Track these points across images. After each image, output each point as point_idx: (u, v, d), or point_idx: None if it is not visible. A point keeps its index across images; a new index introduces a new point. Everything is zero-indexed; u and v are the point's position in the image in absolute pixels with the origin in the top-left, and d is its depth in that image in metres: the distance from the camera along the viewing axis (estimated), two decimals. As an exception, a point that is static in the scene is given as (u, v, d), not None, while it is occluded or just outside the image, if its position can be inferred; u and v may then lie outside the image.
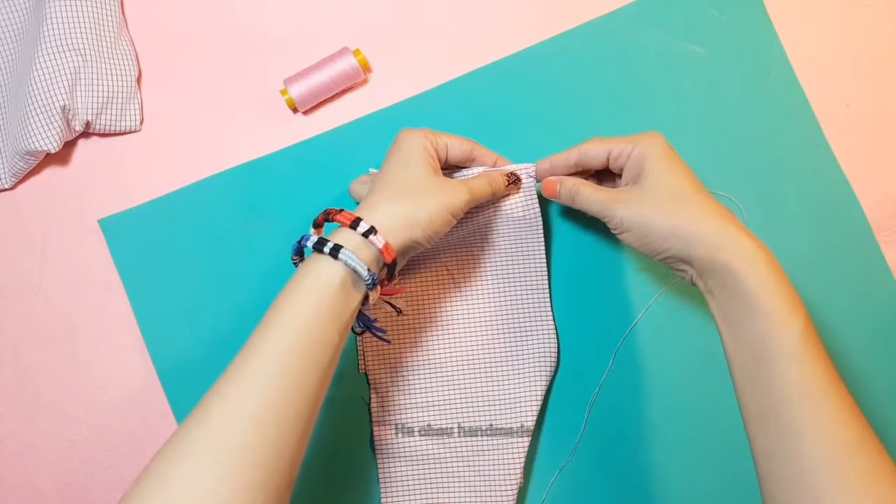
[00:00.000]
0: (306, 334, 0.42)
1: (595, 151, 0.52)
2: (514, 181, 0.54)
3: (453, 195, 0.49)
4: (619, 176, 0.53)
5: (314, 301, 0.43)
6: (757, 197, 0.62)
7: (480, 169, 0.55)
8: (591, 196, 0.51)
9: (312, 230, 0.47)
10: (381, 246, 0.45)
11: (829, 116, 0.63)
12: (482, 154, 0.54)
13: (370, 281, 0.44)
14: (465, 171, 0.55)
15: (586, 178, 0.54)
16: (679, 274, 0.50)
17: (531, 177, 0.55)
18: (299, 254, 0.47)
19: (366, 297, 0.46)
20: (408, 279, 0.58)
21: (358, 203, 0.53)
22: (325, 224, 0.47)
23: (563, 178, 0.53)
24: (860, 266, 0.62)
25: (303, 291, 0.43)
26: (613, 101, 0.63)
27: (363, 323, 0.49)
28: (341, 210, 0.46)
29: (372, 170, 0.59)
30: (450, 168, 0.55)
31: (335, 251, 0.44)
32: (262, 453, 0.38)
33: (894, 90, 0.64)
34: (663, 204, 0.48)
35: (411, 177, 0.49)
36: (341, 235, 0.45)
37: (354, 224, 0.45)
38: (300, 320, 0.42)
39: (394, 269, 0.47)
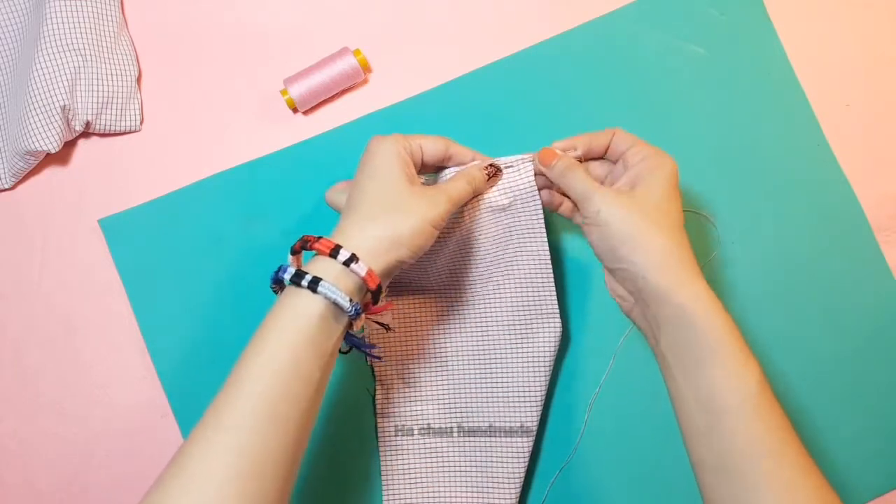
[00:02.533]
0: (284, 376, 0.40)
1: (602, 139, 0.51)
2: (493, 173, 0.52)
3: (433, 206, 0.47)
4: (605, 178, 0.52)
5: (291, 340, 0.41)
6: (757, 197, 0.62)
7: (454, 169, 0.53)
8: (582, 176, 0.49)
9: (290, 258, 0.45)
10: (363, 274, 0.43)
11: (829, 116, 0.63)
12: (458, 152, 0.52)
13: (353, 312, 0.43)
14: (446, 172, 0.53)
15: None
16: (617, 297, 0.49)
17: (529, 171, 0.54)
18: (279, 283, 0.44)
19: (350, 324, 0.45)
20: (408, 281, 0.58)
21: (336, 212, 0.52)
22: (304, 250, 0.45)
23: (563, 154, 0.51)
24: (860, 266, 0.62)
25: (279, 329, 0.42)
26: (613, 101, 0.63)
27: (351, 343, 0.47)
28: (319, 238, 0.44)
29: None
30: (426, 170, 0.53)
31: (314, 284, 0.42)
32: None
33: (894, 90, 0.64)
34: (646, 218, 0.46)
35: (388, 191, 0.47)
36: (320, 265, 0.43)
37: (334, 252, 0.43)
38: (277, 361, 0.41)
39: (378, 294, 0.45)
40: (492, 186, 0.53)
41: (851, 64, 0.64)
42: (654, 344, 0.47)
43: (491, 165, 0.52)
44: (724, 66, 0.63)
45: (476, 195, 0.53)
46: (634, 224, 0.46)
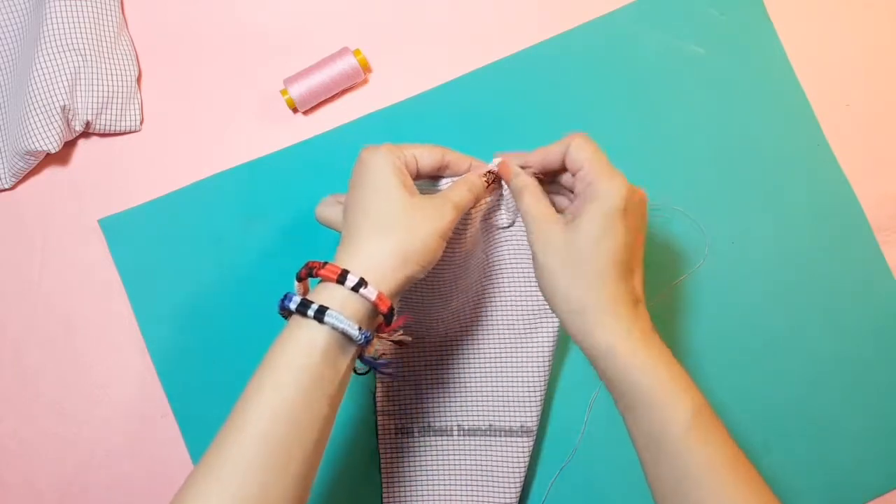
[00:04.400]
0: (288, 415, 0.39)
1: (555, 155, 0.47)
2: (493, 180, 0.50)
3: (440, 215, 0.44)
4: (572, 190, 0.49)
5: (296, 375, 0.40)
6: (757, 196, 0.62)
7: (449, 180, 0.51)
8: (529, 207, 0.47)
9: (296, 284, 0.43)
10: (373, 299, 0.41)
11: (829, 116, 0.63)
12: (454, 159, 0.49)
13: (363, 340, 0.41)
14: (442, 181, 0.51)
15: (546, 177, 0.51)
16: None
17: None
18: (286, 310, 0.42)
19: (362, 349, 0.43)
20: (420, 286, 0.58)
21: (327, 227, 0.50)
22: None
23: (520, 172, 0.49)
24: (860, 266, 0.62)
25: (284, 364, 0.40)
26: (613, 101, 0.63)
27: (368, 365, 0.45)
28: (325, 263, 0.42)
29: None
30: (421, 180, 0.51)
31: (320, 314, 0.40)
32: None
33: (894, 90, 0.64)
34: (570, 265, 0.44)
35: (390, 204, 0.44)
36: (327, 292, 0.41)
37: (341, 279, 0.41)
38: (282, 399, 0.39)
39: (391, 316, 0.43)
40: (491, 193, 0.52)
41: (851, 64, 0.64)
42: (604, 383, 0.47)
43: (489, 172, 0.50)
44: (724, 66, 0.63)
45: (477, 203, 0.50)
46: (558, 271, 0.44)
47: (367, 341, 0.42)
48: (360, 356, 0.44)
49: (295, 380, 0.40)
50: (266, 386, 0.40)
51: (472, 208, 0.50)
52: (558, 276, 0.44)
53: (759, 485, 0.42)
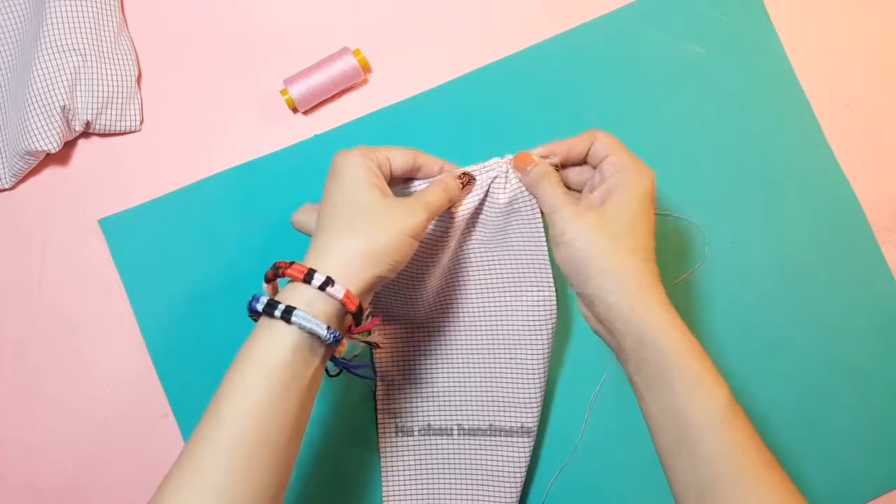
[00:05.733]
0: (258, 418, 0.39)
1: (581, 146, 0.49)
2: (467, 182, 0.51)
3: (411, 215, 0.44)
4: (581, 187, 0.51)
5: (265, 376, 0.40)
6: (757, 197, 0.62)
7: (421, 183, 0.51)
8: (552, 191, 0.47)
9: (265, 286, 0.43)
10: (341, 297, 0.41)
11: (829, 116, 0.63)
12: (426, 162, 0.50)
13: (331, 339, 0.41)
14: (415, 184, 0.51)
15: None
16: (587, 317, 0.48)
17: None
18: (255, 312, 0.42)
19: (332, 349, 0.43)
20: (410, 282, 0.58)
21: (304, 235, 0.50)
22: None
23: (540, 160, 0.50)
24: (860, 266, 0.62)
25: (252, 366, 0.40)
26: (613, 101, 0.63)
27: (340, 366, 0.45)
28: (292, 263, 0.42)
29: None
30: (394, 183, 0.51)
31: (287, 314, 0.40)
32: None
33: (894, 90, 0.64)
34: (610, 241, 0.44)
35: (360, 204, 0.44)
36: (294, 292, 0.41)
37: (308, 277, 0.41)
38: (250, 402, 0.39)
39: (360, 315, 0.43)
40: (466, 195, 0.52)
41: (851, 64, 0.64)
42: (623, 366, 0.47)
43: (464, 174, 0.50)
44: (724, 66, 0.63)
45: (451, 204, 0.51)
46: (598, 247, 0.44)
47: (337, 341, 0.41)
48: (332, 357, 0.44)
49: (263, 380, 0.40)
50: (235, 389, 0.40)
51: (450, 209, 0.51)
52: (598, 251, 0.45)
53: (781, 471, 0.43)
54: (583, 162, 0.50)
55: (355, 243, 0.43)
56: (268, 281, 0.43)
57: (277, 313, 0.40)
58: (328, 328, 0.41)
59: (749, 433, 0.43)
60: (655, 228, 0.47)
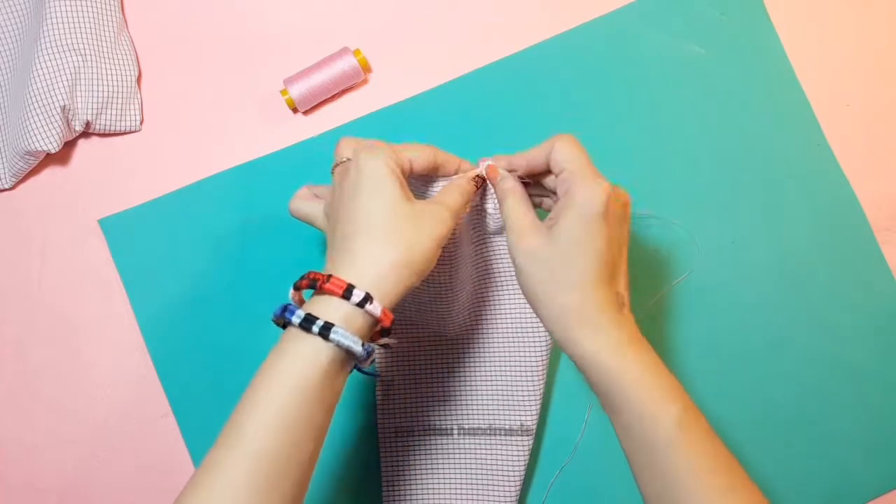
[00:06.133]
0: (285, 433, 0.38)
1: (539, 157, 0.47)
2: (480, 184, 0.49)
3: (440, 223, 0.43)
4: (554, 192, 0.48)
5: (294, 391, 0.38)
6: (757, 196, 0.62)
7: (441, 183, 0.50)
8: (511, 212, 0.46)
9: (292, 292, 0.42)
10: (378, 314, 0.40)
11: (829, 116, 0.63)
12: (445, 160, 0.48)
13: (365, 355, 0.40)
14: (437, 184, 0.50)
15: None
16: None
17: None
18: (286, 321, 0.40)
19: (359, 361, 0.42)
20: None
21: (302, 222, 0.49)
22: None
23: (506, 175, 0.48)
24: (860, 266, 0.62)
25: (282, 379, 0.39)
26: (613, 101, 0.63)
27: (360, 371, 0.44)
28: (330, 276, 0.40)
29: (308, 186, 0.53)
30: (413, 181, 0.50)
31: (325, 331, 0.39)
32: None
33: (894, 90, 0.64)
34: (552, 271, 0.43)
35: (393, 212, 0.42)
36: (330, 306, 0.40)
37: (347, 293, 0.39)
38: (278, 415, 0.38)
39: (390, 330, 0.42)
40: (478, 196, 0.51)
41: (851, 64, 0.64)
42: (590, 386, 0.46)
43: (478, 176, 0.49)
44: (724, 66, 0.63)
45: (467, 207, 0.50)
46: (539, 278, 0.44)
47: (369, 355, 0.41)
48: (356, 366, 0.44)
49: (293, 396, 0.39)
50: (262, 400, 0.39)
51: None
52: (539, 283, 0.44)
53: (745, 490, 0.42)
54: (549, 172, 0.48)
55: (389, 256, 0.41)
56: (296, 289, 0.42)
57: (315, 329, 0.39)
58: (363, 344, 0.40)
59: (699, 448, 0.42)
60: (627, 239, 0.46)
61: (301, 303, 0.42)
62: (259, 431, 0.38)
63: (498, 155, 0.50)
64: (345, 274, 0.41)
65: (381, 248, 0.41)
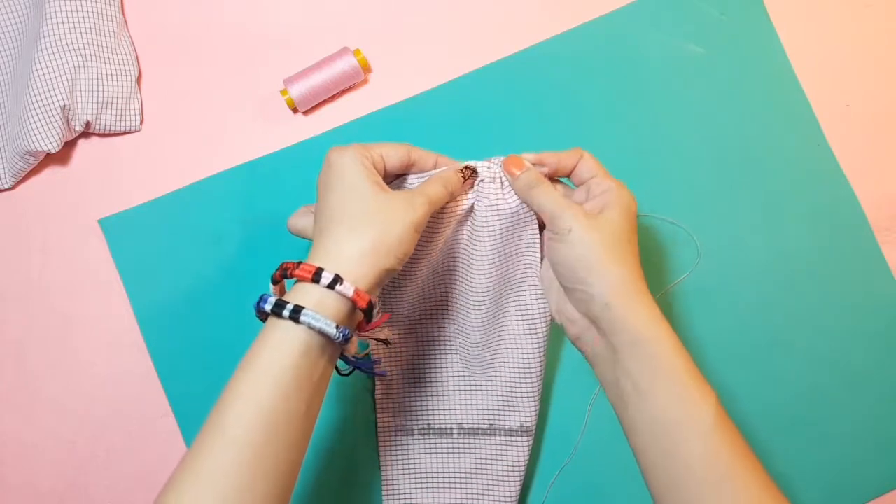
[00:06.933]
0: (266, 418, 0.39)
1: (570, 161, 0.50)
2: (470, 176, 0.50)
3: (413, 209, 0.44)
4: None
5: (273, 377, 0.39)
6: (757, 197, 0.62)
7: (417, 178, 0.51)
8: (551, 193, 0.48)
9: (271, 286, 0.43)
10: (350, 295, 0.41)
11: (829, 116, 0.63)
12: (420, 156, 0.50)
13: (341, 338, 0.41)
14: (409, 179, 0.51)
15: None
16: (565, 321, 0.49)
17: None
18: (263, 313, 0.42)
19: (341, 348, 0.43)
20: (403, 283, 0.58)
21: (301, 238, 0.50)
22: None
23: (530, 166, 0.50)
24: (860, 266, 0.62)
25: (260, 366, 0.40)
26: (613, 101, 0.63)
27: (350, 364, 0.45)
28: (299, 263, 0.42)
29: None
30: (388, 179, 0.50)
31: (295, 314, 0.40)
32: None
33: (894, 90, 0.64)
34: (610, 247, 0.46)
35: (362, 200, 0.44)
36: (302, 291, 0.41)
37: (316, 277, 0.41)
38: (257, 402, 0.39)
39: (371, 311, 0.43)
40: (468, 188, 0.51)
41: (851, 64, 0.64)
42: (602, 371, 0.48)
43: (466, 168, 0.50)
44: (724, 66, 0.63)
45: (452, 198, 0.50)
46: (600, 250, 0.46)
47: (346, 339, 0.41)
48: (342, 356, 0.44)
49: (271, 382, 0.39)
50: (243, 389, 0.40)
51: (449, 203, 0.50)
52: (601, 251, 0.46)
53: (766, 474, 0.43)
54: (566, 176, 0.51)
55: (360, 239, 0.43)
56: (275, 282, 0.43)
57: (286, 313, 0.40)
58: (337, 327, 0.41)
59: (738, 441, 0.43)
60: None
61: (282, 295, 0.43)
62: (241, 418, 0.39)
63: (527, 153, 0.51)
64: (318, 262, 0.42)
65: (353, 234, 0.43)
